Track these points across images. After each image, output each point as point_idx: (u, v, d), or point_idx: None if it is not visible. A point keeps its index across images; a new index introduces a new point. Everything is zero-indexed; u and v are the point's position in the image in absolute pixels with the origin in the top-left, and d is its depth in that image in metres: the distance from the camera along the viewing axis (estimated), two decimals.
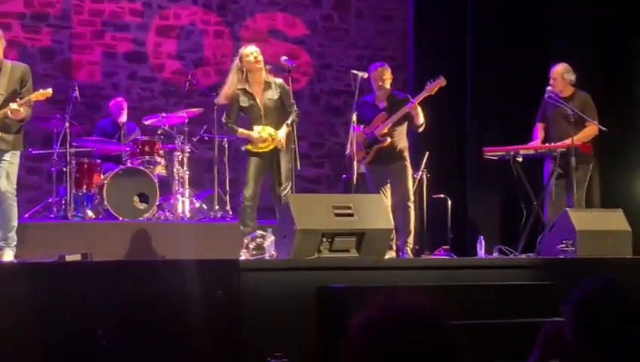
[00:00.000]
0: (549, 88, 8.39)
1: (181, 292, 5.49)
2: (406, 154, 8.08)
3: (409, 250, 7.81)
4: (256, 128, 7.50)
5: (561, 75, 8.37)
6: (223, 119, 7.69)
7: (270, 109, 7.56)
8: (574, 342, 2.72)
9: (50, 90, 7.36)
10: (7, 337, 5.20)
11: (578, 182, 8.09)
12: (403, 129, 8.04)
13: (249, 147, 7.54)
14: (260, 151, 7.50)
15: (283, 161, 7.48)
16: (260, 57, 7.58)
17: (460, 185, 10.05)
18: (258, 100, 7.56)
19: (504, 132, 9.29)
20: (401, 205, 7.60)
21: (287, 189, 7.42)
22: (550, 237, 7.50)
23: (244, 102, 7.57)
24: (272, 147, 7.48)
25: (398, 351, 2.19)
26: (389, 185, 7.91)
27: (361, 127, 7.98)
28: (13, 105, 7.08)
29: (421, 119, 7.92)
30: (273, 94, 7.55)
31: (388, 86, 8.12)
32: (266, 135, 7.48)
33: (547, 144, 8.32)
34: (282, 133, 7.47)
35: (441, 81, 7.94)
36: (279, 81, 7.65)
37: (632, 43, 9.63)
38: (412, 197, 7.99)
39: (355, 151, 7.73)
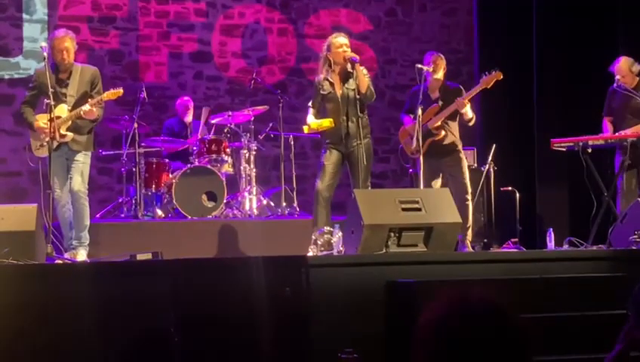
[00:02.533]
0: (617, 78, 8.27)
1: (250, 290, 5.51)
2: (460, 147, 8.00)
3: (468, 243, 7.72)
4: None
5: (629, 69, 8.25)
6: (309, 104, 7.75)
7: (350, 100, 7.52)
8: None
9: (121, 90, 7.46)
10: (82, 335, 5.27)
11: None
12: (456, 123, 7.97)
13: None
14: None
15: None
16: (345, 50, 7.55)
17: (528, 177, 9.96)
18: (337, 90, 7.55)
19: (571, 123, 9.17)
20: (458, 200, 7.49)
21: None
22: (622, 229, 7.38)
23: (325, 90, 7.58)
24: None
25: (468, 344, 2.17)
26: (439, 180, 7.83)
27: (411, 117, 7.90)
28: (85, 106, 7.20)
29: (469, 114, 7.83)
30: (352, 85, 7.51)
31: (441, 75, 8.03)
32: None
33: (617, 134, 8.21)
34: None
35: (497, 74, 7.86)
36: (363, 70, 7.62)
37: None
38: (469, 191, 7.90)
39: (414, 144, 7.64)
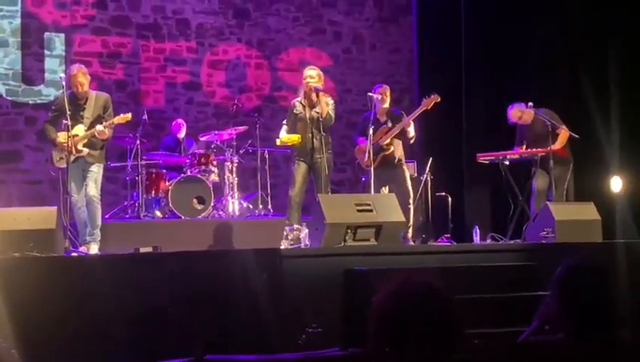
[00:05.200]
0: (518, 123, 8.32)
1: (234, 276, 5.51)
2: (403, 161, 8.00)
3: (410, 238, 7.72)
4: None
5: (517, 113, 8.31)
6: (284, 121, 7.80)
7: (314, 121, 7.54)
8: (559, 313, 2.71)
9: (129, 115, 7.44)
10: (95, 314, 5.25)
11: (557, 180, 8.06)
12: (400, 140, 7.97)
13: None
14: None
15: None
16: (309, 81, 7.56)
17: (458, 184, 10.02)
18: (306, 112, 7.57)
19: (493, 140, 9.25)
20: (402, 203, 7.50)
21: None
22: (533, 226, 7.47)
23: (297, 111, 7.61)
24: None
25: (411, 318, 2.21)
26: (387, 188, 7.81)
27: (364, 138, 7.90)
28: (99, 128, 7.17)
29: (412, 132, 7.83)
30: (317, 109, 7.53)
31: (388, 104, 8.05)
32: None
33: (529, 150, 8.30)
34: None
35: (435, 97, 7.87)
36: (329, 99, 7.64)
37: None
38: (411, 196, 7.87)
39: (366, 159, 7.66)
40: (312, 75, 7.61)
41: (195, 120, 10.43)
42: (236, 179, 8.85)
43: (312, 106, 7.56)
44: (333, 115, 7.57)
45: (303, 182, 7.56)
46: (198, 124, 10.29)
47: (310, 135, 7.52)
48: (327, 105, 7.51)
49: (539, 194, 8.16)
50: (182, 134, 9.60)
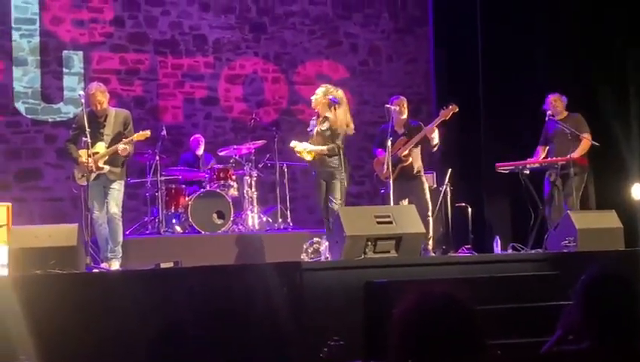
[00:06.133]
0: (548, 113, 8.34)
1: (254, 290, 5.52)
2: (422, 172, 7.98)
3: (430, 250, 7.71)
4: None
5: (556, 102, 8.32)
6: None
7: (320, 136, 7.57)
8: (582, 322, 2.69)
9: (148, 132, 7.47)
10: (116, 329, 5.27)
11: (575, 189, 8.02)
12: (418, 151, 7.94)
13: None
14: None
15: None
16: (315, 97, 7.61)
17: (478, 194, 9.97)
18: (316, 128, 7.61)
19: (512, 149, 9.22)
20: (421, 215, 7.44)
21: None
22: (555, 235, 7.42)
23: (309, 126, 7.66)
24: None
25: (432, 330, 2.20)
26: (407, 200, 7.78)
27: (382, 150, 7.90)
28: (121, 146, 7.21)
29: (436, 140, 7.78)
30: (325, 126, 7.57)
31: (405, 115, 8.05)
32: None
33: (549, 158, 8.28)
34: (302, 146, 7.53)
35: (453, 107, 7.85)
36: (332, 116, 7.68)
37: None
38: (430, 207, 7.83)
39: (385, 171, 7.66)
40: (318, 92, 7.63)
41: (213, 135, 10.47)
42: (255, 193, 8.88)
43: (321, 123, 7.60)
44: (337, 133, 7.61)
45: (322, 196, 7.57)
46: (216, 139, 10.33)
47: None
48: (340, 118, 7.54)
49: (556, 201, 8.11)
50: (200, 151, 9.65)
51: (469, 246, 8.32)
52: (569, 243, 7.01)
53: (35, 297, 5.24)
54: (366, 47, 11.37)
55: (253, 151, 9.07)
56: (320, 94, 7.60)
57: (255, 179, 8.95)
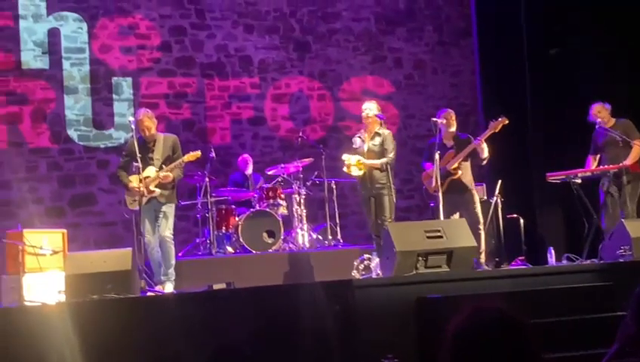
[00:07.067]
0: (598, 121, 8.23)
1: (307, 308, 5.53)
2: (473, 185, 7.93)
3: (483, 264, 7.65)
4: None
5: (600, 112, 8.21)
6: None
7: (372, 152, 7.59)
8: (638, 334, 2.65)
9: (199, 152, 7.55)
10: (173, 350, 5.31)
11: (630, 197, 7.89)
12: (468, 164, 7.89)
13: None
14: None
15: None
16: (368, 113, 7.66)
17: (529, 205, 9.87)
18: (365, 145, 7.62)
19: (562, 159, 9.11)
20: (472, 228, 7.39)
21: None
22: (609, 244, 7.29)
23: (355, 145, 7.66)
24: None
25: (487, 346, 2.19)
26: (457, 214, 7.72)
27: (431, 163, 7.87)
28: (162, 173, 7.32)
29: (485, 153, 7.71)
30: (377, 141, 7.59)
31: (453, 128, 8.02)
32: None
33: (601, 167, 8.16)
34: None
35: (503, 120, 7.79)
36: (386, 132, 7.70)
37: None
38: (482, 220, 7.77)
39: (434, 184, 7.63)
40: (372, 107, 7.69)
41: (261, 154, 10.56)
42: (304, 211, 8.91)
43: (371, 139, 7.62)
44: (390, 148, 7.64)
45: (370, 213, 7.59)
46: (264, 159, 10.41)
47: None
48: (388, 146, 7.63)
49: (610, 210, 7.98)
50: (249, 170, 9.73)
51: (523, 258, 8.22)
52: (624, 252, 6.89)
53: (91, 322, 5.31)
54: (410, 61, 11.38)
55: (301, 169, 9.11)
56: (374, 110, 7.67)
57: (304, 197, 8.98)
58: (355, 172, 7.61)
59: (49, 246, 7.71)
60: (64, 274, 6.46)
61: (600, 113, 8.22)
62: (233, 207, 9.03)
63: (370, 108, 7.71)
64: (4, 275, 7.67)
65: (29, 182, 9.75)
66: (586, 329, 5.30)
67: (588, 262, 7.45)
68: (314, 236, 8.95)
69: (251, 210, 8.81)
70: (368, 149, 7.62)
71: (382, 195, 7.47)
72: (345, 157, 7.68)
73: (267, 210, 8.76)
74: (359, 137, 7.77)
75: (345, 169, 7.74)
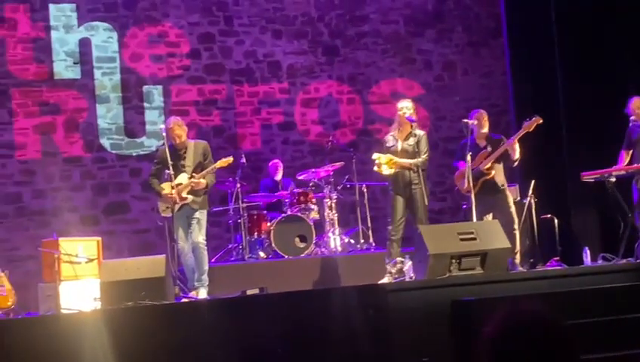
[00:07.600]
0: (632, 118, 8.13)
1: (340, 313, 5.53)
2: (505, 186, 7.84)
3: (518, 265, 7.59)
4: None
5: (639, 108, 8.11)
6: None
7: (405, 152, 7.57)
8: None
9: (230, 158, 7.58)
10: (208, 356, 5.35)
11: None
12: (501, 166, 7.81)
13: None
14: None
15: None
16: (405, 112, 7.61)
17: (564, 205, 9.78)
18: (399, 144, 7.60)
19: (596, 157, 9.01)
20: (506, 229, 7.32)
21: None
22: None
23: (389, 144, 7.64)
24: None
25: (523, 349, 2.18)
26: (490, 213, 7.66)
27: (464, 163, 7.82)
28: (194, 179, 7.36)
29: (517, 154, 7.62)
30: (411, 141, 7.56)
31: (487, 129, 7.96)
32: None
33: (636, 164, 8.06)
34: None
35: (537, 120, 7.71)
36: (421, 133, 7.67)
37: None
38: (516, 221, 7.69)
39: (466, 185, 7.57)
40: (408, 107, 7.64)
41: (291, 159, 10.58)
42: (336, 215, 8.91)
43: (406, 138, 7.57)
44: (423, 150, 7.56)
45: (402, 215, 7.54)
46: (294, 163, 10.43)
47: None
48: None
49: None
50: (279, 176, 9.75)
51: (558, 258, 8.14)
52: None
53: (126, 329, 5.36)
54: (440, 63, 11.34)
55: (332, 173, 9.11)
56: (412, 110, 7.62)
57: (335, 201, 8.98)
58: (386, 171, 7.56)
59: (84, 254, 7.82)
60: (99, 282, 6.53)
61: (637, 107, 8.11)
62: (265, 212, 9.06)
63: (406, 107, 7.66)
64: (41, 283, 7.78)
65: (63, 191, 9.86)
66: (624, 330, 5.25)
67: (624, 261, 7.36)
68: (346, 240, 8.94)
69: (283, 214, 8.84)
70: (402, 149, 7.58)
71: (415, 196, 7.43)
72: (375, 155, 7.62)
73: (299, 214, 8.78)
74: (392, 135, 7.72)
75: (375, 168, 7.68)
